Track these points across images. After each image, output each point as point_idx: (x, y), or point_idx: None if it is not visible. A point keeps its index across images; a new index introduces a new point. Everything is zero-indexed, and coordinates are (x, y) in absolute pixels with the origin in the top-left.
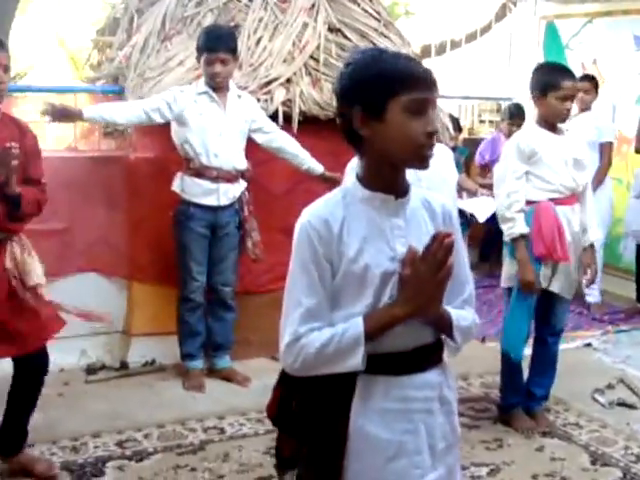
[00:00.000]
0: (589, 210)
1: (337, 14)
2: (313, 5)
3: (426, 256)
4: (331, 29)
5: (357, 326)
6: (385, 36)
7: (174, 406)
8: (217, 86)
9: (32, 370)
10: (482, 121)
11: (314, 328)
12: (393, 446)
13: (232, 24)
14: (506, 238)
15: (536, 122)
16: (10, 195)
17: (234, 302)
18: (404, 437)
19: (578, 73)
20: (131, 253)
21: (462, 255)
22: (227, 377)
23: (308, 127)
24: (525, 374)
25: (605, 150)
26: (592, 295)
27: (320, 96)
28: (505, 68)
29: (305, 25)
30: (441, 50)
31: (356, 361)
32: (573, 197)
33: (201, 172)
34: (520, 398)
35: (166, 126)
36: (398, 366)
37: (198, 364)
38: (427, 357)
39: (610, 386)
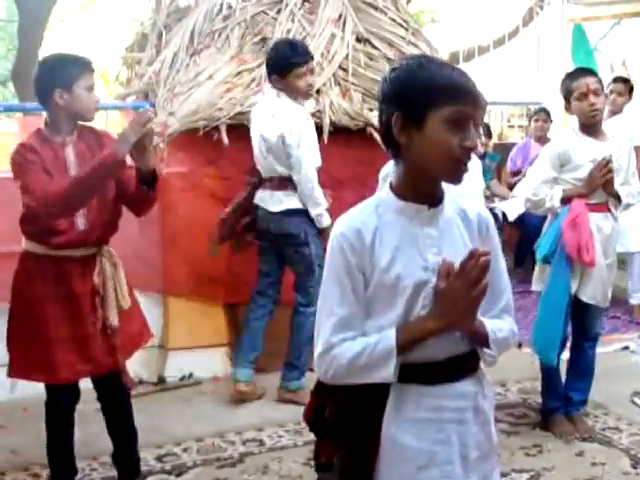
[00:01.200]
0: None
1: (364, 24)
2: (340, 15)
3: (461, 273)
4: (359, 39)
5: (389, 339)
6: (413, 44)
7: (212, 419)
8: (309, 97)
9: (113, 392)
10: (511, 126)
11: (347, 338)
12: (424, 455)
13: (260, 37)
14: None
15: (574, 129)
16: (146, 170)
17: None
18: (435, 447)
19: (607, 76)
20: (166, 268)
21: (500, 263)
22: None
23: (338, 137)
24: (563, 378)
25: (639, 154)
26: (635, 297)
27: (350, 106)
28: (534, 72)
29: (333, 36)
30: (469, 56)
31: (388, 373)
32: (605, 205)
33: None
34: (559, 403)
35: (200, 140)
36: (431, 376)
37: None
38: (461, 367)
39: None
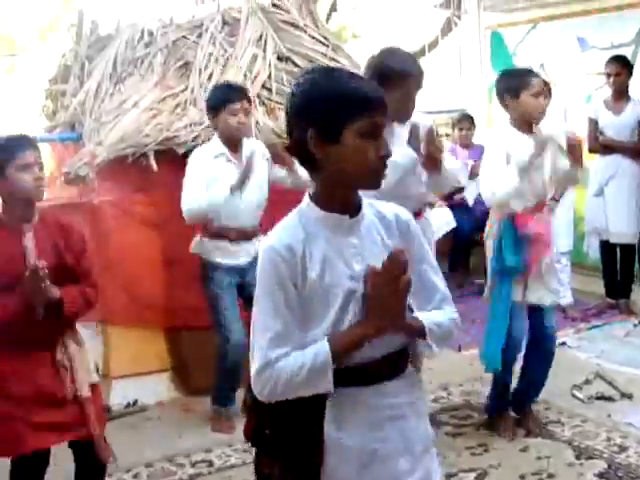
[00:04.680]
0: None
1: (285, 43)
2: (261, 36)
3: (383, 273)
4: (280, 58)
5: (324, 352)
6: (334, 60)
7: (160, 444)
8: (239, 139)
9: (88, 462)
10: (438, 135)
11: (282, 355)
12: (366, 454)
13: (182, 62)
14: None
15: (512, 125)
16: (53, 303)
17: None
18: (376, 444)
19: None
20: (103, 297)
21: (429, 258)
22: None
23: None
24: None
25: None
26: (565, 297)
27: (276, 124)
28: (456, 81)
29: (255, 56)
30: None
31: (326, 385)
32: (543, 204)
33: (221, 233)
34: (506, 405)
35: (129, 167)
36: (367, 376)
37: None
38: (396, 364)
39: (588, 381)
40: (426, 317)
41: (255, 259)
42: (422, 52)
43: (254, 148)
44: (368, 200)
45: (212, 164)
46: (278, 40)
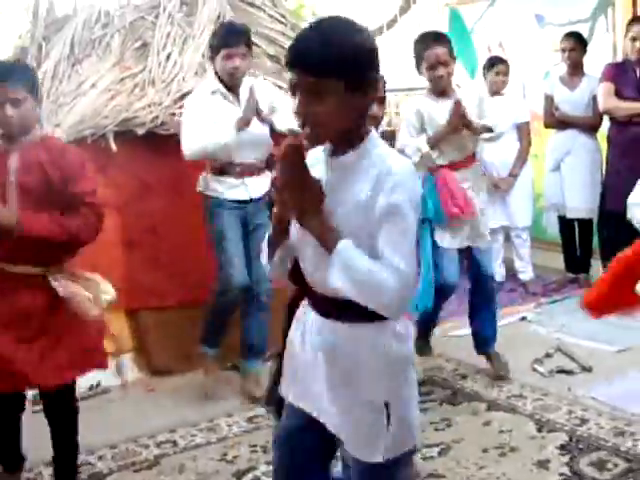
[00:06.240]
0: None
1: (243, 22)
2: (219, 16)
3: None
4: None
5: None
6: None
7: (124, 426)
8: (235, 83)
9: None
10: (398, 113)
11: None
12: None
13: (140, 43)
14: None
15: (425, 93)
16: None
17: (269, 301)
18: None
19: (485, 56)
20: None
21: (388, 229)
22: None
23: None
24: None
25: (524, 131)
26: (526, 272)
27: None
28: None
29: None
30: None
31: None
32: (461, 162)
33: (225, 169)
34: (427, 330)
35: (88, 149)
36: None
37: (213, 352)
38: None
39: (548, 355)
40: (350, 247)
41: (261, 196)
42: (380, 30)
43: (254, 86)
44: (383, 151)
45: (210, 100)
46: (236, 19)
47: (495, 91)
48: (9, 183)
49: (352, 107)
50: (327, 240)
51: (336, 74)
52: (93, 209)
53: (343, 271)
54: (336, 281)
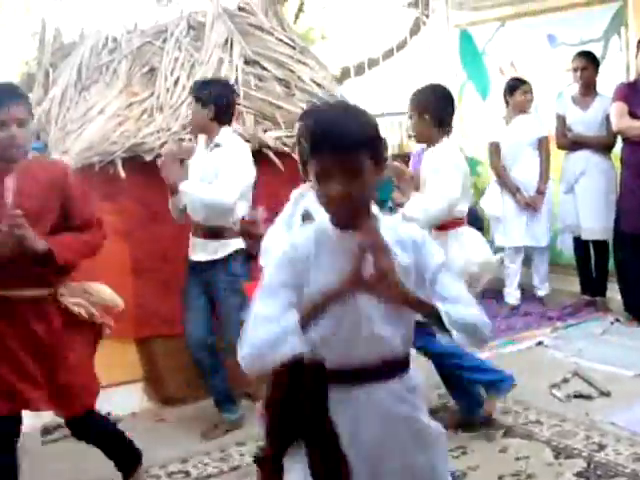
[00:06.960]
0: None
1: (252, 46)
2: (227, 40)
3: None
4: (247, 61)
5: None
6: (302, 62)
7: None
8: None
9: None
10: (410, 136)
11: None
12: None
13: (148, 68)
14: None
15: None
16: (40, 254)
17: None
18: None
19: (497, 78)
20: None
21: (441, 268)
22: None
23: None
24: None
25: (544, 144)
26: (542, 289)
27: (243, 129)
28: (426, 81)
29: (221, 60)
30: (360, 70)
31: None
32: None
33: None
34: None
35: (96, 175)
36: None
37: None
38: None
39: (565, 380)
40: (442, 305)
41: (223, 258)
42: (391, 52)
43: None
44: (393, 224)
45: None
46: (244, 44)
47: (521, 110)
48: (6, 204)
49: (375, 180)
50: (418, 300)
51: (367, 147)
52: (96, 231)
53: (453, 324)
54: (459, 340)
